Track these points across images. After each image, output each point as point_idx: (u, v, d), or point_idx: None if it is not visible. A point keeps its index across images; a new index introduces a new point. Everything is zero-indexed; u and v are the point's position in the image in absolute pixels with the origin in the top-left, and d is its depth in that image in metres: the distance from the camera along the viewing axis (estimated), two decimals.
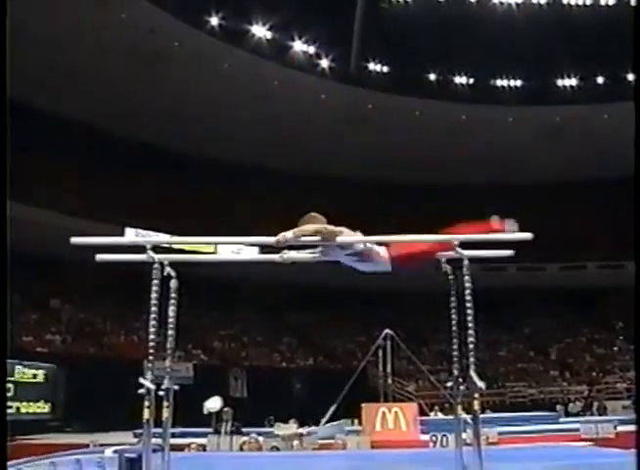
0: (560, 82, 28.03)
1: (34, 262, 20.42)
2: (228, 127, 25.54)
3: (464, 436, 4.87)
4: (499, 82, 28.16)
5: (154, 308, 4.31)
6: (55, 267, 20.95)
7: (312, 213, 4.55)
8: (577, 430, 11.81)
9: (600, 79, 27.52)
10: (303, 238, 4.34)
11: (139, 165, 24.44)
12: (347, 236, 4.44)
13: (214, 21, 23.50)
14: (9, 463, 4.52)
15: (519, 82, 28.15)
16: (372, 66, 26.95)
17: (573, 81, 27.94)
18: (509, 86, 28.17)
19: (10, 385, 13.59)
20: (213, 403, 10.62)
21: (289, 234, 4.28)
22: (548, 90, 27.90)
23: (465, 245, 4.47)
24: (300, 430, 10.96)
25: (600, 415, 19.68)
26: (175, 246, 15.41)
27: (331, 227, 4.39)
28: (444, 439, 9.68)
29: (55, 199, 21.03)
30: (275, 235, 4.33)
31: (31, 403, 14.36)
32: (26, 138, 21.56)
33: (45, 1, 20.35)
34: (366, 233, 4.68)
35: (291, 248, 4.44)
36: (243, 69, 23.86)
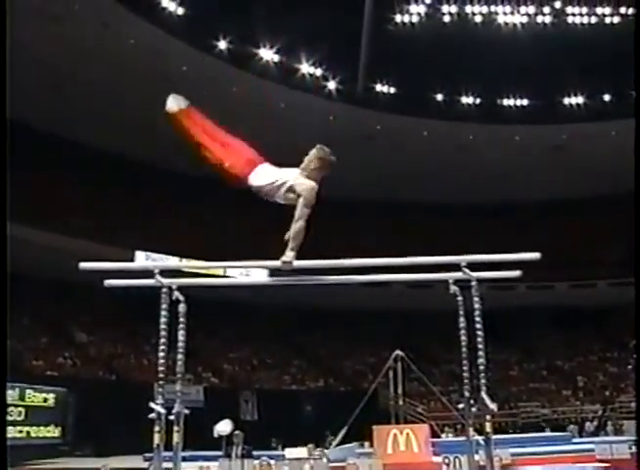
0: (566, 100, 28.03)
1: (45, 286, 20.53)
2: None
3: (477, 457, 4.83)
4: (505, 102, 28.19)
5: (163, 333, 4.34)
6: (65, 291, 20.98)
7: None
8: (592, 450, 11.63)
9: (606, 97, 27.53)
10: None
11: (153, 189, 24.64)
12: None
13: (222, 44, 23.72)
14: None
15: (525, 101, 28.15)
16: (379, 87, 27.05)
17: (579, 99, 27.96)
18: (515, 105, 28.21)
19: (21, 409, 13.58)
20: (224, 427, 10.58)
21: (291, 253, 4.29)
22: (554, 109, 27.92)
23: (472, 266, 4.47)
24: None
25: (615, 435, 19.41)
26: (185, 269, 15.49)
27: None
28: (457, 460, 9.58)
29: (66, 222, 21.15)
30: None
31: (42, 427, 14.31)
32: (40, 162, 21.82)
33: (52, 27, 20.58)
34: (377, 254, 4.71)
35: None
36: (250, 91, 24.01)
